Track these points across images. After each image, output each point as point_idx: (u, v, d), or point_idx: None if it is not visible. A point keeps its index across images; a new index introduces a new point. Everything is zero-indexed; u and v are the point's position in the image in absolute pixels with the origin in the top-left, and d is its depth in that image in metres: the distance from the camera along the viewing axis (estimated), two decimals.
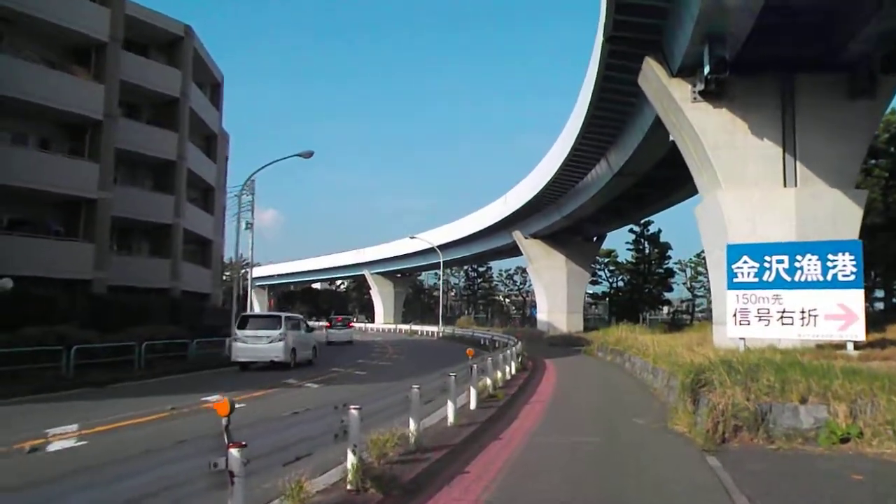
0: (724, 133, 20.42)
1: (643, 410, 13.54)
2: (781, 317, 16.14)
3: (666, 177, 36.20)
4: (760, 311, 16.36)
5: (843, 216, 19.51)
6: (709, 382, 10.82)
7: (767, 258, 16.36)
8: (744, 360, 11.75)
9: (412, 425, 9.43)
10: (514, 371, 22.15)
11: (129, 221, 36.11)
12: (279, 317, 29.55)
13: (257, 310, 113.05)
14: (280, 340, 26.75)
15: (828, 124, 20.04)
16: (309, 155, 33.73)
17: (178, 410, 15.05)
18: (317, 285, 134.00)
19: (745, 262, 16.58)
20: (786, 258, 16.19)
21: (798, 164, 20.09)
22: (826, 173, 19.98)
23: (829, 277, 15.77)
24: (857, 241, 16.43)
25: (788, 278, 16.12)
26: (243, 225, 66.25)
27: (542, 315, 60.60)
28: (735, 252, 16.91)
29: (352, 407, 7.23)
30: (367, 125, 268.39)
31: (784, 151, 20.18)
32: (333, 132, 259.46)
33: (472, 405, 13.71)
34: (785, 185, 20.05)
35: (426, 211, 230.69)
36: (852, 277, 15.58)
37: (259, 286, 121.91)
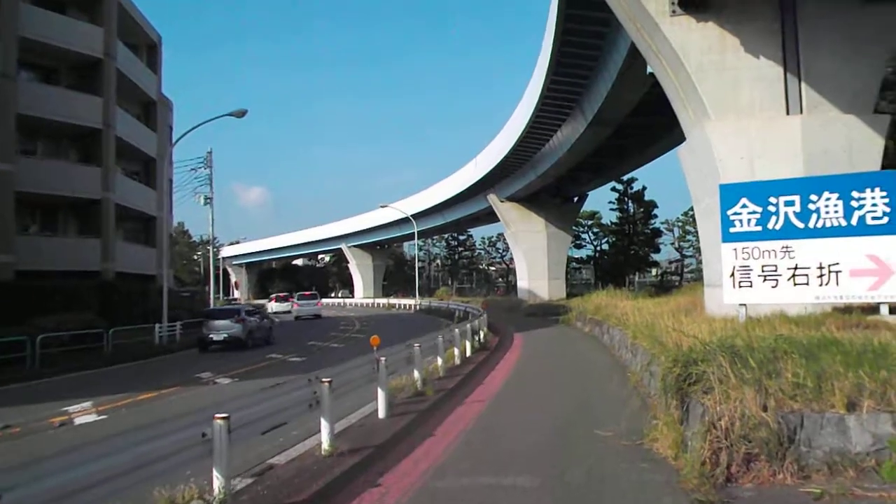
0: (712, 52, 16.59)
1: (613, 412, 9.76)
2: (793, 275, 12.43)
3: (645, 124, 32.71)
4: (766, 269, 12.64)
5: (861, 147, 15.73)
6: (703, 378, 7.12)
7: (773, 200, 12.62)
8: (751, 339, 8.04)
9: (216, 481, 5.72)
10: (469, 352, 18.52)
11: (53, 198, 32.26)
12: (316, 294, 59.29)
13: (241, 288, 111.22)
14: (317, 305, 53.50)
15: (838, 35, 16.19)
16: (242, 114, 29.86)
17: (7, 431, 11.43)
18: (299, 262, 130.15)
19: (745, 205, 12.83)
20: (797, 198, 12.46)
21: (803, 86, 16.26)
22: (838, 96, 16.18)
23: (853, 221, 12.07)
24: (891, 172, 12.68)
25: (801, 224, 12.40)
26: (201, 201, 62.81)
27: (522, 282, 56.87)
28: (731, 193, 13.14)
29: None
30: (364, 105, 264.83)
31: (786, 71, 16.34)
32: (328, 112, 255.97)
33: (381, 412, 10.03)
34: (788, 113, 16.22)
35: (416, 182, 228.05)
36: (885, 220, 11.86)
37: (237, 264, 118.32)
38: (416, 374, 12.57)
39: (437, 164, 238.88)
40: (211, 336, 26.85)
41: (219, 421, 5.72)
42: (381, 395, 10.10)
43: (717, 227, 13.83)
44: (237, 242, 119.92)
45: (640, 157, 42.36)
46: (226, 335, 26.69)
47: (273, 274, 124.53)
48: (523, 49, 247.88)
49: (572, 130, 35.65)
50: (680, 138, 19.98)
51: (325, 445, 7.82)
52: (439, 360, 14.93)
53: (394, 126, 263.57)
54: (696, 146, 17.72)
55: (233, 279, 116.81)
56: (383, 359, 10.26)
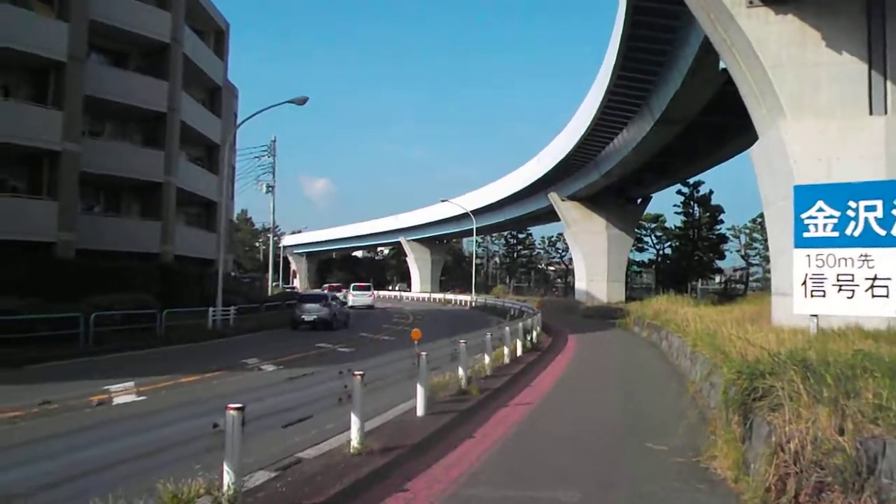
0: (790, 46, 15.63)
1: (667, 424, 9.07)
2: (872, 286, 11.47)
3: (716, 124, 31.35)
4: (842, 278, 11.72)
5: None
6: (770, 394, 6.41)
7: (852, 204, 11.67)
8: (826, 353, 7.28)
9: (226, 476, 5.29)
10: (520, 351, 17.93)
11: (117, 179, 32.61)
12: (370, 286, 62.48)
13: (300, 277, 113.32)
14: (370, 297, 57.46)
15: None
16: (303, 101, 29.69)
17: (45, 407, 11.31)
18: (358, 253, 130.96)
19: (821, 209, 11.92)
20: (879, 203, 11.48)
21: (889, 84, 15.20)
22: None
23: None
24: None
25: (883, 231, 11.43)
26: (263, 188, 63.54)
27: (580, 283, 55.79)
28: (806, 196, 12.25)
29: None
30: (427, 97, 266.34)
31: (870, 69, 15.30)
32: (392, 105, 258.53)
33: (420, 411, 9.55)
34: (871, 113, 15.19)
35: (478, 178, 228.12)
36: None
37: (297, 254, 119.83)
38: (460, 371, 12.06)
39: (500, 159, 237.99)
40: (303, 317, 31.47)
41: (232, 412, 5.29)
42: (420, 392, 9.62)
43: (788, 232, 12.93)
44: (299, 232, 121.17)
45: (709, 158, 40.92)
46: (315, 317, 31.21)
47: (332, 264, 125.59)
48: (595, 45, 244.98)
49: (638, 129, 34.62)
50: (752, 140, 18.99)
51: (355, 443, 7.35)
52: (487, 359, 14.39)
53: (456, 120, 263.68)
54: (769, 146, 16.75)
55: (293, 267, 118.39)
56: (424, 354, 9.77)
